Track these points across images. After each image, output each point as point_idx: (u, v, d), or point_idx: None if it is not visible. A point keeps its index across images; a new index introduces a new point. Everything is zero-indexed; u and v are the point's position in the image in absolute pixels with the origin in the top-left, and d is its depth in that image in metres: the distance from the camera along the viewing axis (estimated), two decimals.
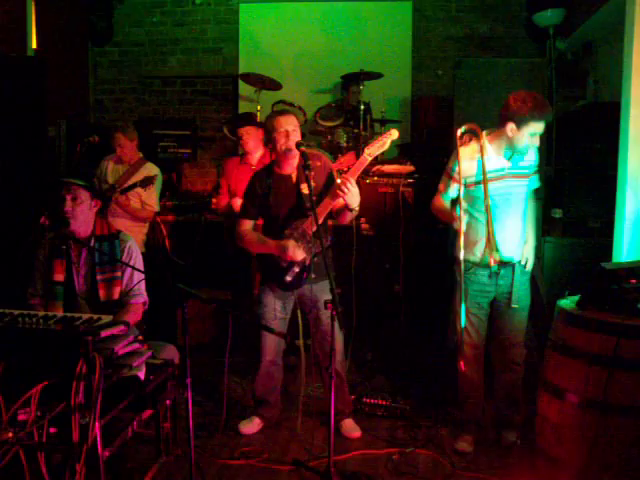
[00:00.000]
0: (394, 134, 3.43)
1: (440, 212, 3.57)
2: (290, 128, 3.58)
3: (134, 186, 4.61)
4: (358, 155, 5.50)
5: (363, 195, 3.59)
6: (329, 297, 3.02)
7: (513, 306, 3.50)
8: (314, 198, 3.35)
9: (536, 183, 3.58)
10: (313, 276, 3.65)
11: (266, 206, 3.69)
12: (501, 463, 3.44)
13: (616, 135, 3.81)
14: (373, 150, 3.44)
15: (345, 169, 5.23)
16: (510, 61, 5.26)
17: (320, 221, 3.34)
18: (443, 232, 4.78)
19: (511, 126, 3.30)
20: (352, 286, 4.70)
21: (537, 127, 3.28)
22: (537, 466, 3.13)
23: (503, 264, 3.35)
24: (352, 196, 3.40)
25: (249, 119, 5.02)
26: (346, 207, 3.49)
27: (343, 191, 3.36)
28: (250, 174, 4.56)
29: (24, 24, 5.95)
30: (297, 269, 3.62)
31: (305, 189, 3.55)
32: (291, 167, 3.67)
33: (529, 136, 3.30)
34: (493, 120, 3.47)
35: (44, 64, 5.32)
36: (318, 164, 3.66)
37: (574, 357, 2.88)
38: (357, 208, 3.52)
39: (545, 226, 4.54)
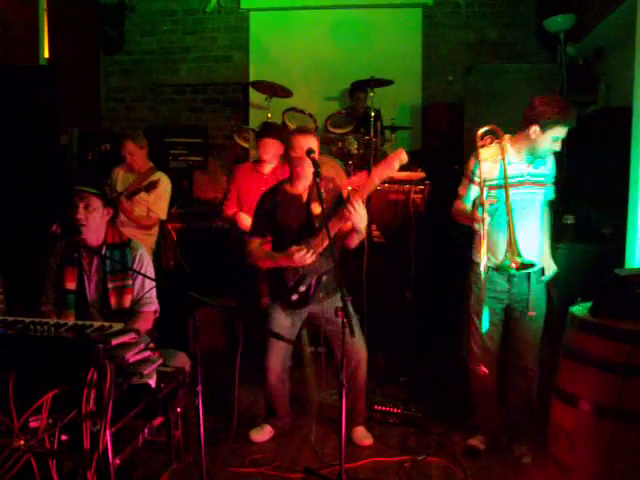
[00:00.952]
0: (403, 157, 3.35)
1: (461, 215, 3.56)
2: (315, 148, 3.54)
3: (138, 191, 4.63)
4: (367, 161, 5.52)
5: (374, 202, 3.58)
6: (340, 305, 3.02)
7: (530, 314, 3.48)
8: (325, 211, 3.34)
9: (551, 194, 3.54)
10: (321, 295, 3.66)
11: (275, 224, 3.68)
12: (513, 470, 3.42)
13: (628, 140, 3.79)
14: (382, 175, 3.41)
15: (356, 188, 5.22)
16: (521, 67, 5.27)
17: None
18: (454, 238, 4.76)
19: (535, 128, 3.27)
20: (363, 293, 4.69)
21: (561, 131, 3.27)
22: (550, 474, 3.10)
23: (524, 267, 3.31)
24: (359, 218, 3.40)
25: (277, 132, 4.97)
26: (353, 229, 3.49)
27: (350, 211, 3.36)
28: (261, 183, 4.57)
29: (36, 34, 6.02)
30: (303, 288, 3.62)
31: (315, 209, 3.55)
32: (303, 186, 3.66)
33: (552, 140, 3.28)
34: (504, 126, 3.45)
35: (56, 73, 5.37)
36: (330, 186, 3.66)
37: (587, 364, 2.86)
38: (364, 231, 3.53)
39: (557, 232, 4.51)
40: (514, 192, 3.36)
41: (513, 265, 3.25)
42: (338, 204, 3.59)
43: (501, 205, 3.38)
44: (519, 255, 3.24)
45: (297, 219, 3.64)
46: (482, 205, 3.32)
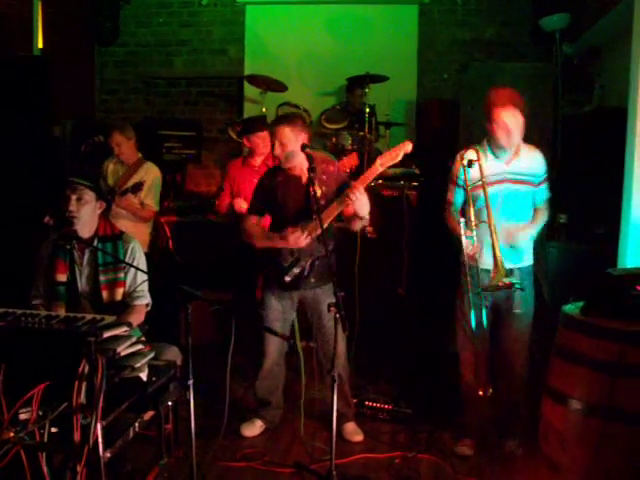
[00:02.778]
0: (408, 147, 3.39)
1: (450, 225, 3.60)
2: (284, 141, 3.57)
3: (126, 192, 4.63)
4: (360, 156, 5.50)
5: (368, 198, 3.57)
6: (332, 300, 3.01)
7: (515, 311, 3.49)
8: (322, 202, 3.35)
9: (545, 194, 3.57)
10: (313, 280, 3.66)
11: (274, 204, 3.70)
12: (503, 468, 3.43)
13: (622, 140, 3.80)
14: (385, 161, 3.41)
15: (347, 170, 5.22)
16: (516, 65, 5.27)
17: (325, 225, 3.34)
18: (447, 235, 4.76)
19: (487, 121, 3.40)
20: (355, 289, 4.69)
21: (497, 115, 3.34)
22: (540, 472, 3.11)
23: (513, 285, 3.32)
24: (361, 204, 3.41)
25: (264, 124, 4.96)
26: (355, 215, 3.49)
27: (351, 199, 3.36)
28: (253, 175, 4.57)
29: (30, 23, 5.97)
30: (297, 270, 3.63)
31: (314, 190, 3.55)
32: (299, 169, 3.65)
33: (497, 127, 3.36)
34: None
35: (50, 63, 5.34)
36: (331, 169, 3.67)
37: (578, 363, 2.87)
38: (367, 216, 3.53)
39: (550, 231, 4.52)
40: (494, 189, 3.42)
41: (501, 284, 3.29)
42: (340, 187, 3.59)
43: (482, 205, 3.42)
44: (506, 276, 3.28)
45: (295, 199, 3.64)
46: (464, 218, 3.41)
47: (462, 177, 3.46)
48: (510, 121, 3.34)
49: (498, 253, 3.29)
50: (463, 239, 3.37)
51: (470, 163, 3.38)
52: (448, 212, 3.63)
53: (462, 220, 3.40)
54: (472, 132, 4.83)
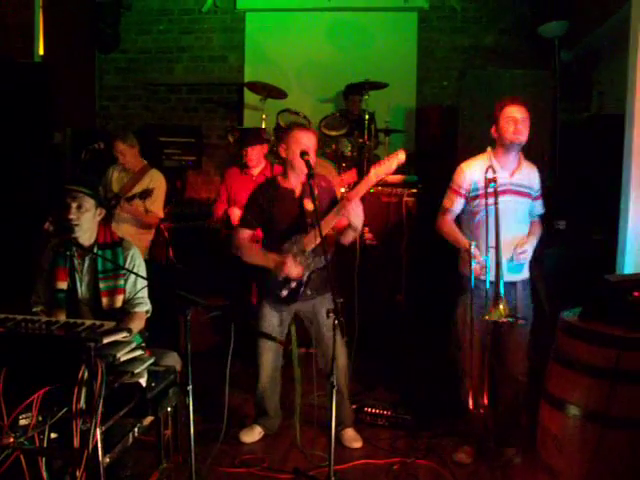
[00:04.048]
0: (402, 157, 3.38)
1: (449, 236, 3.61)
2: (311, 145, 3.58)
3: (133, 197, 4.65)
4: (360, 172, 5.54)
5: (367, 205, 3.59)
6: (331, 307, 3.02)
7: (519, 322, 3.48)
8: (317, 209, 3.36)
9: (541, 209, 3.70)
10: (309, 292, 3.66)
11: (268, 218, 3.67)
12: (502, 475, 3.43)
13: (620, 147, 3.81)
14: (380, 172, 3.40)
15: (346, 186, 5.25)
16: (515, 72, 5.27)
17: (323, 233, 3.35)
18: (446, 242, 4.77)
19: (495, 125, 3.47)
20: (354, 295, 4.70)
21: (506, 112, 3.43)
22: (538, 478, 3.11)
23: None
24: (356, 215, 3.42)
25: (258, 138, 5.02)
26: (349, 226, 3.51)
27: (347, 209, 3.38)
28: (251, 184, 4.60)
29: (32, 30, 6.00)
30: (293, 284, 3.62)
31: (308, 205, 3.56)
32: (296, 180, 3.66)
33: (506, 124, 3.42)
34: None
35: (50, 70, 5.36)
36: (323, 184, 3.67)
37: (576, 369, 2.87)
38: (360, 228, 3.54)
39: (548, 237, 4.53)
40: (498, 200, 3.41)
41: (503, 320, 3.31)
42: (331, 202, 3.61)
43: (487, 211, 3.42)
44: (505, 315, 3.30)
45: (290, 214, 3.64)
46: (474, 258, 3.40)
47: (464, 185, 3.53)
48: (517, 114, 3.42)
49: (498, 290, 3.31)
50: (473, 262, 3.37)
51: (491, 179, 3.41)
52: (442, 219, 3.65)
53: (474, 243, 3.40)
54: (471, 139, 4.85)
